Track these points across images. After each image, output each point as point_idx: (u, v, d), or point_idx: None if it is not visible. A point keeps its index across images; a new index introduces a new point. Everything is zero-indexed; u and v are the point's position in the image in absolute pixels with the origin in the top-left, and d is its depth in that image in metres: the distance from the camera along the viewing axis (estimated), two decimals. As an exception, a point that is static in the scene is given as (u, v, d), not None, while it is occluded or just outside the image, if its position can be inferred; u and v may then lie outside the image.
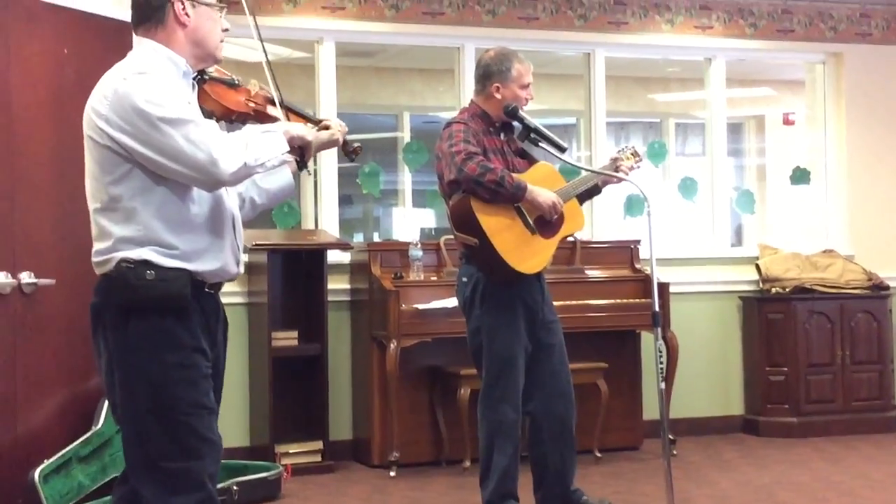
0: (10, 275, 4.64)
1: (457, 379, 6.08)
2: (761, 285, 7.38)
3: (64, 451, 4.79)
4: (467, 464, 6.07)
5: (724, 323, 7.44)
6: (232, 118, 3.17)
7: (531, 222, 4.52)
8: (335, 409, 6.41)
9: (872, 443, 6.90)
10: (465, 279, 4.66)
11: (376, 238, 9.40)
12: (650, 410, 6.72)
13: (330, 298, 6.35)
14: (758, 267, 7.39)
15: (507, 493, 4.58)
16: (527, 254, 4.51)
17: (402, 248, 6.43)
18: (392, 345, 5.99)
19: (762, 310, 7.26)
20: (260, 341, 6.23)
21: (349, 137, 3.26)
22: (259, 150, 2.90)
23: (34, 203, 4.85)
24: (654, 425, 6.37)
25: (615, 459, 6.41)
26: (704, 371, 7.31)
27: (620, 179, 4.74)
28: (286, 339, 6.24)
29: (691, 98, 9.24)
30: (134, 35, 3.09)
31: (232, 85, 3.18)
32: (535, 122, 4.58)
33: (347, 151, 3.31)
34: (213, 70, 3.16)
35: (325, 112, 6.73)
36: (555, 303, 4.85)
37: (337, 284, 6.55)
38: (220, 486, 4.39)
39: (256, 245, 6.09)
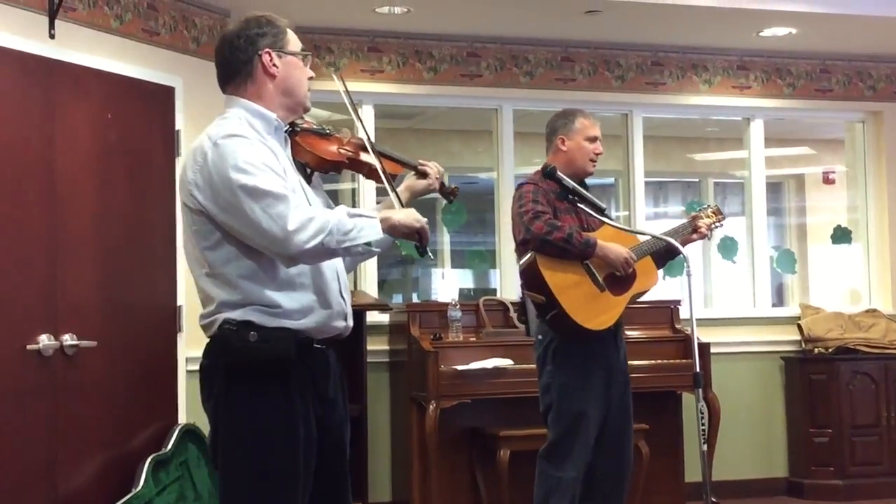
0: (52, 337, 4.68)
1: (496, 440, 6.04)
2: (804, 345, 7.31)
3: (104, 513, 4.80)
4: (507, 526, 6.02)
5: (766, 383, 7.37)
6: (327, 168, 3.12)
7: (600, 279, 4.51)
8: (375, 471, 6.38)
9: (920, 506, 6.79)
10: (540, 337, 4.67)
11: (415, 299, 9.40)
12: (692, 472, 6.63)
13: (369, 359, 6.35)
14: (800, 327, 7.33)
15: None
16: (595, 311, 4.49)
17: (440, 309, 6.43)
18: (431, 406, 5.97)
19: (805, 370, 7.19)
20: (299, 402, 6.22)
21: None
22: (346, 233, 2.80)
23: (76, 265, 4.90)
24: (697, 488, 6.29)
25: (657, 522, 6.32)
26: (747, 432, 7.23)
27: (700, 238, 4.74)
28: (325, 400, 6.23)
29: (730, 157, 9.22)
30: (223, 94, 3.03)
31: (323, 134, 3.15)
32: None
33: (445, 193, 3.30)
34: (303, 122, 3.12)
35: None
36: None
37: (376, 345, 6.55)
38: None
39: (296, 306, 6.10)
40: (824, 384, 7.09)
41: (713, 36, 7.17)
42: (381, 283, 7.29)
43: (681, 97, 7.44)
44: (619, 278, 4.55)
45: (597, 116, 4.88)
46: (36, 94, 4.77)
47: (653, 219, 8.32)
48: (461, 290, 8.90)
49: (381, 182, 3.16)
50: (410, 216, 2.92)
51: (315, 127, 3.15)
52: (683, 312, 6.77)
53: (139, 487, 5.00)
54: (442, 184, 3.24)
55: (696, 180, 10.31)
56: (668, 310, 6.75)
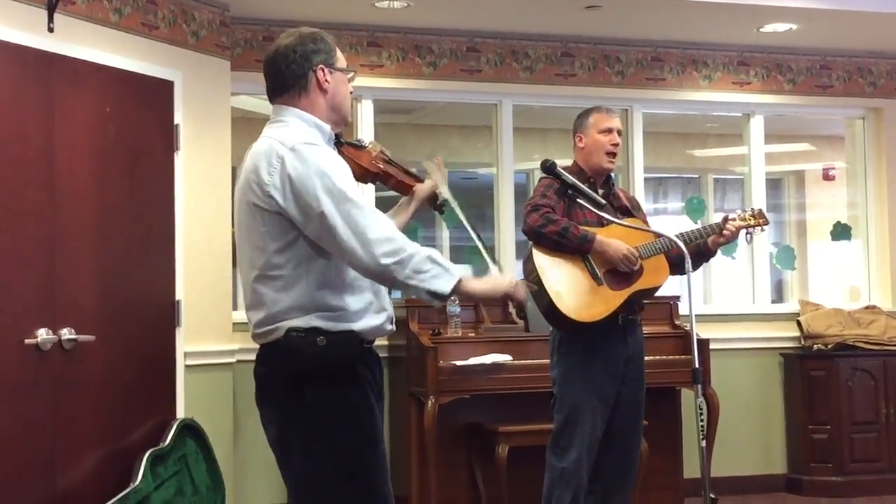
0: (50, 331, 4.67)
1: (495, 436, 6.04)
2: (803, 342, 7.30)
3: (102, 508, 4.79)
4: (506, 522, 6.02)
5: (765, 380, 7.36)
6: (367, 179, 3.27)
7: (599, 274, 4.53)
8: (373, 467, 6.37)
9: (919, 503, 6.79)
10: (551, 328, 4.72)
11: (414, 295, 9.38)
12: (691, 468, 6.63)
13: (368, 354, 6.34)
14: (799, 323, 7.32)
15: None
16: (587, 303, 4.51)
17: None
18: (430, 401, 5.96)
19: (804, 367, 7.18)
20: (298, 398, 6.22)
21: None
22: (417, 272, 2.89)
23: (75, 259, 4.89)
24: (696, 484, 6.29)
25: (656, 518, 6.32)
26: (746, 429, 7.23)
27: (728, 240, 4.72)
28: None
29: (730, 153, 9.21)
30: (272, 104, 3.12)
31: (360, 147, 3.29)
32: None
33: (435, 205, 3.48)
34: (342, 135, 3.24)
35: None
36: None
37: (375, 341, 6.53)
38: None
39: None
40: (823, 381, 7.09)
41: (713, 31, 7.16)
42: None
43: (681, 93, 7.43)
44: (622, 274, 4.56)
45: (596, 112, 4.86)
46: (35, 88, 4.76)
47: (652, 215, 8.28)
48: (460, 286, 8.87)
49: (401, 193, 3.39)
50: (494, 286, 3.08)
51: (352, 140, 3.30)
52: (683, 308, 6.76)
53: (137, 482, 4.99)
54: (434, 195, 3.41)
55: (696, 176, 10.30)
56: (667, 306, 6.75)
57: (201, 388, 5.63)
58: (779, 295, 9.02)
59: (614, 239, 4.55)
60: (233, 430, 5.99)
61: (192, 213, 5.58)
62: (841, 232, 7.84)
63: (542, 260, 4.54)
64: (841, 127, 8.36)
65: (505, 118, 7.16)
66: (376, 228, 2.87)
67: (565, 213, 4.58)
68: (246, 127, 6.02)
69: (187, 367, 5.53)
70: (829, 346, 7.15)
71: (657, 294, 4.88)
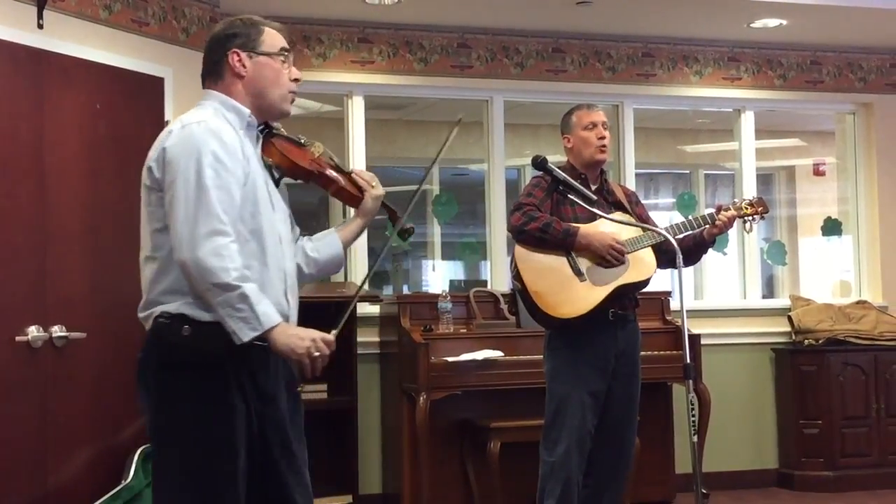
0: (41, 328, 4.66)
1: (487, 432, 6.04)
2: (794, 337, 7.32)
3: (93, 505, 4.79)
4: (498, 518, 6.02)
5: (756, 375, 7.38)
6: (297, 175, 3.12)
7: (582, 269, 4.54)
8: (365, 463, 6.38)
9: (909, 497, 6.80)
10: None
11: (406, 290, 9.40)
12: (682, 464, 6.65)
13: (359, 351, 6.35)
14: (790, 319, 7.33)
15: None
16: (567, 298, 4.52)
17: (431, 301, 6.42)
18: (422, 398, 5.96)
19: (795, 362, 7.20)
20: (289, 394, 6.22)
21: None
22: (231, 306, 2.76)
23: (66, 257, 4.88)
24: (687, 479, 6.31)
25: (647, 514, 6.34)
26: (737, 424, 7.24)
27: (721, 230, 4.71)
28: (315, 392, 6.22)
29: (721, 149, 9.23)
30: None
31: (297, 144, 3.15)
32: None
33: (399, 231, 3.30)
34: (279, 129, 3.13)
35: (356, 164, 6.76)
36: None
37: (366, 337, 6.54)
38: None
39: (286, 298, 6.09)
40: (814, 376, 7.11)
41: (704, 27, 7.17)
42: (372, 275, 7.27)
43: (671, 88, 7.43)
44: (607, 269, 4.55)
45: (587, 108, 4.87)
46: (25, 85, 4.75)
47: (643, 210, 8.32)
48: (452, 282, 8.87)
49: (345, 202, 3.24)
50: (296, 340, 2.83)
51: (291, 136, 3.17)
52: (674, 304, 6.77)
53: (129, 479, 4.99)
54: (397, 217, 3.26)
55: (687, 172, 10.32)
56: (658, 301, 6.75)
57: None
58: (770, 290, 9.05)
59: (598, 230, 4.55)
60: (224, 427, 5.98)
61: (182, 210, 5.58)
62: (831, 227, 7.85)
63: (523, 258, 4.57)
64: (831, 122, 8.38)
65: (496, 114, 7.16)
66: (208, 225, 2.78)
67: (554, 210, 4.59)
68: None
69: (178, 364, 5.52)
70: (820, 341, 7.16)
71: (648, 289, 4.88)
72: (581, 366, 4.56)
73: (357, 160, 6.82)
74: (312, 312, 6.78)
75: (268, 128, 3.11)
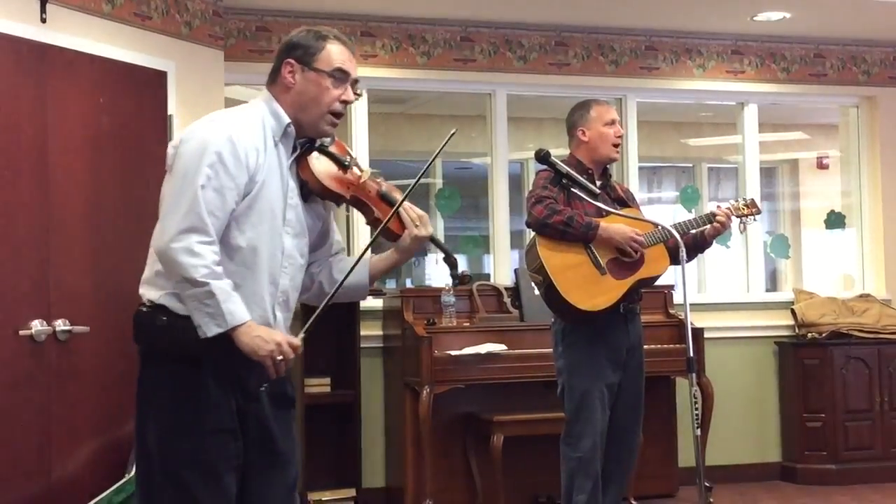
0: (44, 322, 4.66)
1: (490, 426, 6.04)
2: (797, 330, 7.31)
3: (97, 499, 4.78)
4: (501, 511, 6.03)
5: (759, 369, 7.37)
6: (325, 196, 3.06)
7: (602, 263, 4.59)
8: (368, 456, 6.39)
9: (913, 490, 6.80)
10: (553, 319, 4.78)
11: (409, 284, 9.39)
12: (686, 457, 6.65)
13: (363, 345, 6.35)
14: (793, 312, 7.33)
15: None
16: (591, 292, 4.57)
17: (434, 295, 6.43)
18: (425, 391, 5.96)
19: (798, 355, 7.19)
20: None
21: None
22: (200, 300, 2.77)
23: (69, 251, 4.88)
24: (690, 472, 6.31)
25: (651, 507, 6.34)
26: (740, 417, 7.24)
27: (718, 230, 4.75)
28: (319, 385, 6.23)
29: (724, 142, 9.21)
30: None
31: (342, 164, 3.07)
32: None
33: (454, 275, 3.19)
34: (331, 142, 3.08)
35: (359, 158, 6.76)
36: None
37: (369, 331, 6.55)
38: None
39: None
40: (818, 369, 7.10)
41: (707, 20, 7.16)
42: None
43: (675, 82, 7.42)
44: (624, 263, 4.61)
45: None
46: (27, 79, 4.74)
47: (646, 204, 8.31)
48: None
49: (382, 235, 3.07)
50: (259, 342, 2.81)
51: (336, 153, 3.08)
52: (677, 297, 6.77)
53: (132, 472, 4.98)
54: (454, 262, 3.16)
55: (690, 165, 10.30)
56: (661, 295, 6.75)
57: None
58: (773, 284, 9.04)
59: (618, 224, 4.60)
60: (228, 421, 5.99)
61: (185, 204, 5.57)
62: (835, 220, 7.84)
63: (545, 251, 4.59)
64: (835, 115, 8.36)
65: (499, 108, 7.16)
66: (188, 221, 2.78)
67: (566, 204, 4.61)
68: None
69: (182, 357, 5.52)
70: (824, 335, 7.16)
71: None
72: (599, 359, 4.61)
73: (360, 154, 6.81)
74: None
75: (311, 141, 3.06)
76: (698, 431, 3.88)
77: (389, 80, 6.95)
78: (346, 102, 3.03)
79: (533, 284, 6.32)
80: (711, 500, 6.42)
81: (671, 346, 6.45)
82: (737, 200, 4.96)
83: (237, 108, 3.05)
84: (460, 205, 7.36)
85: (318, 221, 3.11)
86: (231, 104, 6.35)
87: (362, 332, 6.35)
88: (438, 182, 8.85)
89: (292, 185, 3.00)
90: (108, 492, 4.84)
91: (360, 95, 3.10)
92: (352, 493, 6.17)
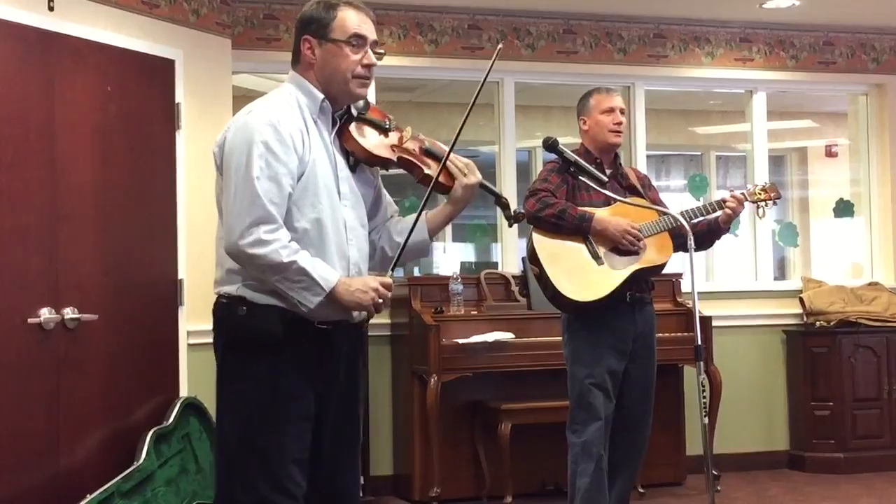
0: (53, 310, 4.67)
1: (498, 414, 6.05)
2: (805, 319, 7.30)
3: (106, 487, 4.80)
4: (509, 499, 6.03)
5: (767, 357, 7.37)
6: (373, 163, 3.12)
7: (600, 253, 4.58)
8: (376, 444, 6.39)
9: (921, 479, 6.79)
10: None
11: (416, 272, 9.39)
12: (693, 446, 6.65)
13: (370, 333, 6.34)
14: (801, 300, 7.32)
15: None
16: (586, 283, 4.55)
17: (442, 283, 6.43)
18: (432, 379, 5.97)
19: (806, 344, 7.18)
20: (301, 376, 6.23)
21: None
22: (288, 282, 2.86)
23: (78, 239, 4.89)
24: (698, 461, 6.31)
25: (659, 495, 6.34)
26: (748, 406, 7.24)
27: (729, 216, 4.70)
28: (327, 373, 6.23)
29: (733, 130, 9.20)
30: None
31: (381, 128, 3.13)
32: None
33: (508, 215, 3.33)
34: (365, 110, 3.12)
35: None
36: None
37: (377, 319, 6.53)
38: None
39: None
40: (826, 357, 7.10)
41: (716, 8, 7.13)
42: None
43: (683, 70, 7.40)
44: (626, 253, 4.58)
45: (599, 89, 4.87)
46: (35, 67, 4.75)
47: (655, 192, 8.30)
48: (462, 264, 8.89)
49: (433, 189, 3.13)
50: (360, 294, 2.92)
51: (376, 118, 3.13)
52: (685, 286, 6.76)
53: (141, 461, 5.00)
54: (505, 203, 3.26)
55: (699, 153, 10.29)
56: (669, 283, 6.74)
57: (204, 366, 5.61)
58: (781, 272, 9.03)
59: (615, 216, 4.57)
60: (236, 409, 5.99)
61: (193, 192, 5.57)
62: (844, 209, 7.82)
63: (541, 243, 4.60)
64: (844, 103, 8.34)
65: (507, 96, 7.14)
66: (252, 214, 2.84)
67: (570, 195, 4.61)
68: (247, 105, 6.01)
69: (190, 345, 5.53)
70: (832, 323, 7.15)
71: (663, 271, 4.88)
72: (601, 347, 4.60)
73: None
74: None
75: (348, 112, 3.10)
76: (706, 420, 3.87)
77: (397, 68, 6.94)
78: (369, 66, 3.05)
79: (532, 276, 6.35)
80: (719, 488, 6.42)
81: (679, 334, 6.44)
82: (755, 185, 4.92)
83: (270, 95, 3.07)
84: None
85: (370, 189, 3.18)
86: (238, 92, 6.39)
87: (370, 320, 6.34)
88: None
89: (340, 158, 3.07)
90: (116, 479, 4.86)
91: (382, 55, 3.12)
92: (360, 480, 6.16)
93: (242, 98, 6.29)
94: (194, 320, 5.52)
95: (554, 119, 8.71)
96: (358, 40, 3.04)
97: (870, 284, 7.52)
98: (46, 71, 4.78)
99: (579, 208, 4.56)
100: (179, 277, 5.50)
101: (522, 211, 3.37)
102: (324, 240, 2.96)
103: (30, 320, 4.59)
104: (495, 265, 7.35)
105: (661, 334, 6.33)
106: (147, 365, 5.30)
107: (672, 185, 10.15)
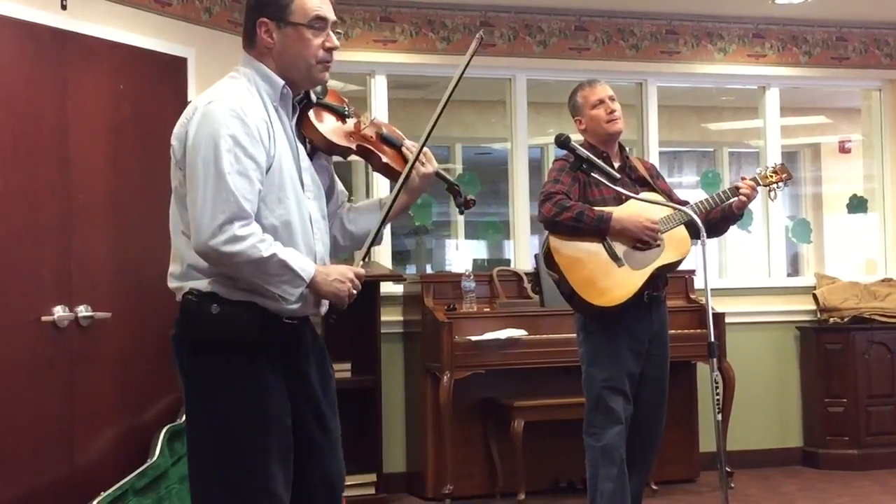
0: (67, 308, 4.68)
1: (510, 411, 6.05)
2: (819, 315, 7.29)
3: (120, 484, 4.81)
4: (522, 496, 6.04)
5: (781, 353, 7.35)
6: (332, 151, 3.00)
7: (619, 253, 4.47)
8: (389, 442, 6.40)
9: (935, 475, 6.77)
10: None
11: (429, 270, 9.40)
12: (707, 442, 6.65)
13: (383, 330, 6.36)
14: (815, 297, 7.30)
15: None
16: (607, 286, 4.44)
17: (454, 280, 6.43)
18: (445, 377, 5.97)
19: (820, 340, 7.17)
20: (313, 373, 6.24)
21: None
22: (267, 273, 2.74)
23: (91, 237, 4.90)
24: (711, 457, 6.30)
25: (672, 492, 6.34)
26: (762, 402, 7.22)
27: (744, 202, 4.62)
28: (340, 371, 6.20)
29: (745, 127, 9.18)
30: None
31: (340, 114, 3.01)
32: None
33: (458, 202, 3.17)
34: (323, 94, 3.00)
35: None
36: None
37: (390, 316, 6.55)
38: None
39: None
40: (839, 354, 7.08)
41: (728, 4, 7.12)
42: (395, 254, 7.28)
43: (695, 66, 7.39)
44: (643, 251, 4.49)
45: (611, 86, 4.80)
46: (48, 66, 4.76)
47: (667, 189, 8.29)
48: (475, 261, 8.87)
49: (390, 178, 3.08)
50: (338, 284, 2.83)
51: (335, 104, 3.02)
52: (698, 282, 6.75)
53: (154, 458, 5.01)
54: (457, 190, 3.13)
55: (711, 150, 10.27)
56: (682, 280, 6.73)
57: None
58: (794, 268, 9.01)
59: (631, 212, 4.49)
60: (249, 406, 6.01)
61: (206, 190, 5.58)
62: (857, 205, 7.80)
63: (559, 248, 4.47)
64: (857, 99, 8.31)
65: (519, 93, 7.14)
66: (225, 212, 2.70)
67: (582, 193, 4.53)
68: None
69: (203, 343, 5.54)
70: (845, 320, 7.13)
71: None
72: (620, 350, 4.50)
73: (380, 139, 6.81)
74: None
75: (307, 98, 2.98)
76: (719, 416, 3.87)
77: (409, 65, 6.94)
78: (331, 49, 2.92)
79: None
80: (732, 485, 6.41)
81: (692, 331, 6.42)
82: (766, 168, 4.85)
83: (225, 82, 2.89)
84: (480, 190, 7.35)
85: (325, 176, 3.05)
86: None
87: (383, 318, 6.36)
88: (458, 167, 8.86)
89: (301, 148, 2.94)
90: (130, 477, 4.87)
91: (340, 35, 3.00)
92: (372, 477, 6.19)
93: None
94: (207, 318, 5.52)
95: (566, 116, 8.63)
96: (319, 23, 2.88)
97: (883, 280, 7.49)
98: (59, 70, 4.79)
99: (596, 209, 4.46)
100: (192, 275, 5.51)
101: (473, 198, 3.19)
102: (292, 236, 2.83)
103: (43, 318, 4.60)
104: (508, 262, 7.35)
105: (674, 331, 6.31)
106: (160, 362, 5.28)
107: (685, 182, 10.12)
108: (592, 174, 4.36)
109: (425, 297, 6.30)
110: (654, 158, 7.30)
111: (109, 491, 4.75)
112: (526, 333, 6.16)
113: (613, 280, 4.46)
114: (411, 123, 8.88)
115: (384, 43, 6.78)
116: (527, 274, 6.58)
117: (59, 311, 4.65)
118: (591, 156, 4.35)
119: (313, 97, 3.00)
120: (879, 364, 7.08)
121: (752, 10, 7.27)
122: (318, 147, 2.97)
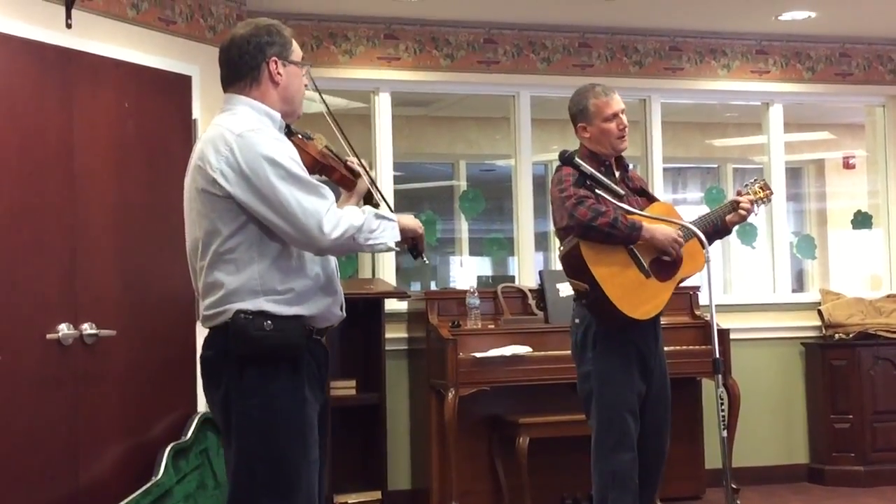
0: (72, 326, 4.69)
1: (515, 428, 6.04)
2: (824, 331, 7.27)
3: (125, 502, 4.81)
4: (527, 514, 6.02)
5: (786, 370, 7.34)
6: (312, 170, 3.25)
7: (646, 265, 4.36)
8: (394, 459, 6.39)
9: (942, 492, 6.75)
10: (577, 320, 4.49)
11: (433, 287, 9.40)
12: (712, 459, 6.63)
13: (388, 347, 6.35)
14: (820, 313, 7.29)
15: None
16: (641, 299, 4.34)
17: (459, 297, 6.43)
18: (450, 393, 5.96)
19: (825, 356, 7.15)
20: (318, 391, 6.23)
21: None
22: (372, 232, 3.03)
23: (96, 255, 4.91)
24: (717, 474, 6.26)
25: (677, 509, 6.32)
26: (767, 419, 7.21)
27: (743, 217, 4.60)
28: (344, 388, 6.24)
29: (749, 143, 9.18)
30: (225, 93, 3.20)
31: (308, 138, 3.32)
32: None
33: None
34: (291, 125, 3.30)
35: (383, 161, 6.80)
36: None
37: (394, 333, 6.55)
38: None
39: (314, 294, 6.10)
40: (845, 370, 7.06)
41: (731, 20, 7.13)
42: (399, 271, 7.28)
43: (699, 82, 7.40)
44: (664, 263, 4.40)
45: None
46: (53, 84, 4.78)
47: (671, 205, 8.30)
48: (479, 278, 8.89)
49: (345, 188, 3.42)
50: (414, 222, 3.20)
51: (300, 131, 3.33)
52: (703, 298, 6.75)
53: (159, 476, 5.01)
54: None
55: (715, 166, 10.27)
56: (687, 296, 6.72)
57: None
58: (799, 284, 8.99)
59: (659, 223, 4.37)
60: (254, 424, 6.00)
61: (211, 208, 5.60)
62: (862, 220, 7.80)
63: (590, 257, 4.28)
64: (861, 115, 8.32)
65: (523, 109, 7.15)
66: (329, 211, 2.97)
67: None
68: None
69: (208, 360, 5.54)
70: (851, 336, 7.12)
71: (680, 284, 4.78)
72: (631, 367, 4.41)
73: (384, 157, 6.83)
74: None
75: (287, 127, 3.26)
76: (725, 433, 3.86)
77: (413, 82, 6.96)
78: (306, 87, 3.27)
79: (558, 286, 6.31)
80: (738, 501, 6.40)
81: (697, 347, 6.42)
82: (752, 183, 4.76)
83: (235, 119, 3.10)
84: (484, 207, 7.36)
85: None
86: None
87: (387, 335, 6.35)
88: (462, 184, 8.86)
89: None
90: (135, 494, 4.87)
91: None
92: (377, 495, 6.17)
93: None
94: (212, 335, 5.53)
95: (570, 132, 8.66)
96: (305, 63, 3.24)
97: (888, 296, 7.49)
98: (65, 88, 4.81)
99: (627, 217, 4.31)
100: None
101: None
102: (331, 280, 3.17)
103: (48, 336, 4.61)
104: (512, 279, 7.35)
105: (678, 347, 6.35)
106: (165, 380, 5.31)
107: (689, 198, 10.12)
108: (597, 190, 4.31)
109: (430, 314, 6.30)
110: (657, 175, 7.31)
111: (114, 509, 4.75)
112: (531, 350, 6.16)
113: (646, 292, 4.36)
114: (415, 140, 8.92)
115: (388, 60, 6.79)
116: (531, 290, 6.58)
117: (64, 329, 4.66)
118: (595, 172, 4.29)
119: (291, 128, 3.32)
120: (885, 380, 7.06)
121: (756, 27, 7.28)
122: (308, 169, 3.20)
